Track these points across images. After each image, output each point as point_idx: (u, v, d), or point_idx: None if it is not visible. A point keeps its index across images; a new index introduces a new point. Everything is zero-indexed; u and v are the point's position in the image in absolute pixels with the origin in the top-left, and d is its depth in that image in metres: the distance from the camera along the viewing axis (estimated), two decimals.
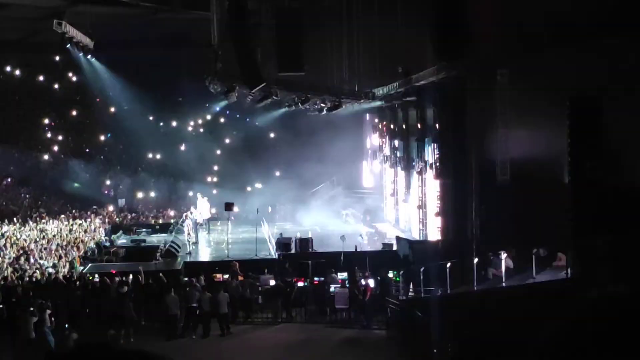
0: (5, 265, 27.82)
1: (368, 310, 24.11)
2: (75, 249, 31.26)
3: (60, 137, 48.34)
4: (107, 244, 33.25)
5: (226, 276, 26.07)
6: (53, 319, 19.86)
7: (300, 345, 21.89)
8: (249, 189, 47.15)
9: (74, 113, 47.74)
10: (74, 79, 45.61)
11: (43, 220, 39.20)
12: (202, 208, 36.29)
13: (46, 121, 48.31)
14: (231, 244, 32.72)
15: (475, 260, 20.79)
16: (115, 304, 22.51)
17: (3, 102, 45.60)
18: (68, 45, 34.95)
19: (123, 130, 47.61)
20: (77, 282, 24.84)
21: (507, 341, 17.59)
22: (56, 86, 46.58)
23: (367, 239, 34.26)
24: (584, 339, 4.51)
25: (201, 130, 50.69)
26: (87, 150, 49.29)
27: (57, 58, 43.52)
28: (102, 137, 49.44)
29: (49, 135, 48.32)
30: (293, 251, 30.56)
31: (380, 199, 44.52)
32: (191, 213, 35.20)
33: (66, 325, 19.00)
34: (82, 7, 32.59)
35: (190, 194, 41.27)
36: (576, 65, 19.41)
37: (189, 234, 33.41)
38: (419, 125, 34.43)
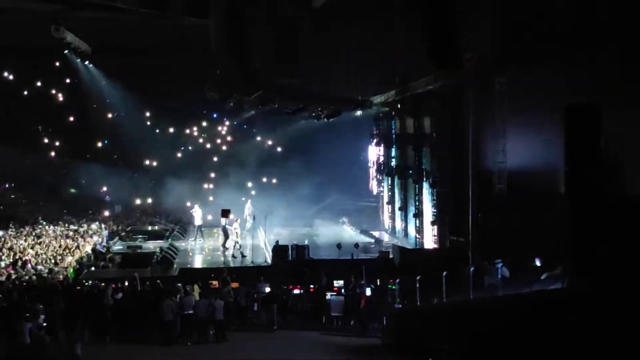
0: (1, 271, 27.76)
1: (364, 318, 24.10)
2: (71, 254, 31.19)
3: (57, 143, 48.26)
4: (103, 250, 33.19)
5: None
6: (45, 324, 19.73)
7: (296, 352, 21.82)
8: (243, 197, 47.19)
9: (72, 119, 47.62)
10: (72, 84, 45.52)
11: (40, 226, 39.13)
12: (197, 216, 36.87)
13: (43, 126, 48.25)
14: (227, 250, 32.69)
15: (472, 269, 20.72)
16: (110, 310, 22.43)
17: (0, 107, 45.46)
18: (66, 51, 34.97)
19: (120, 136, 47.60)
20: (73, 288, 24.75)
21: (502, 349, 17.58)
22: (53, 91, 46.47)
23: (363, 247, 34.17)
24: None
25: (198, 136, 50.59)
26: (85, 156, 49.14)
27: (55, 64, 43.42)
28: (99, 143, 49.36)
29: (46, 140, 48.24)
30: (290, 258, 30.56)
31: (377, 206, 44.54)
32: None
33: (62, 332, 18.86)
34: (80, 13, 32.54)
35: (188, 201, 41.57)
36: (575, 74, 19.41)
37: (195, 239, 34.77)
38: (415, 134, 34.49)
